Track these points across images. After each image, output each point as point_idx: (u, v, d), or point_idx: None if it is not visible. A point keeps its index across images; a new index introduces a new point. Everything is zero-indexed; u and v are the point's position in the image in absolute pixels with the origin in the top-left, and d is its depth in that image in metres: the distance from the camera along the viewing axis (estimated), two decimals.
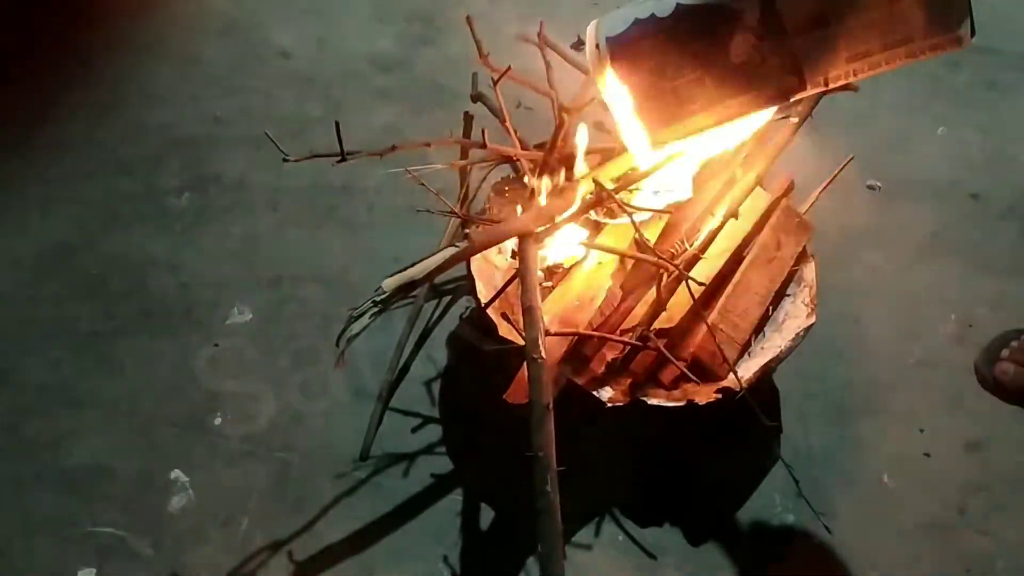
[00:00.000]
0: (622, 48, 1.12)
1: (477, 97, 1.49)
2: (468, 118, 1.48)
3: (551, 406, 1.09)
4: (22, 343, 1.62)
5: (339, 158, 1.19)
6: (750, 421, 1.28)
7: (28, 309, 1.66)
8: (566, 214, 1.28)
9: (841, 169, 1.53)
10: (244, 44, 2.08)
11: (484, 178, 1.58)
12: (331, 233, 1.76)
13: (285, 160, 1.17)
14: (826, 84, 1.14)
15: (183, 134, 1.92)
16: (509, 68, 1.31)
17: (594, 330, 1.35)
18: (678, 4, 1.12)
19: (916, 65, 2.12)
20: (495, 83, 1.32)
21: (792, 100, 1.15)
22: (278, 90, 2.01)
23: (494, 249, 1.45)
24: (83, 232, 1.76)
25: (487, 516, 1.45)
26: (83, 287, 1.69)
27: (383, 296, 1.10)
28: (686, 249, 1.35)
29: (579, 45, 2.01)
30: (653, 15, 1.12)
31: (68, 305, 1.67)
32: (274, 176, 1.83)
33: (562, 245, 1.40)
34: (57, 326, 1.64)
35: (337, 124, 1.16)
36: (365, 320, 1.09)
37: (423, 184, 1.29)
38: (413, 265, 1.13)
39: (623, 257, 1.36)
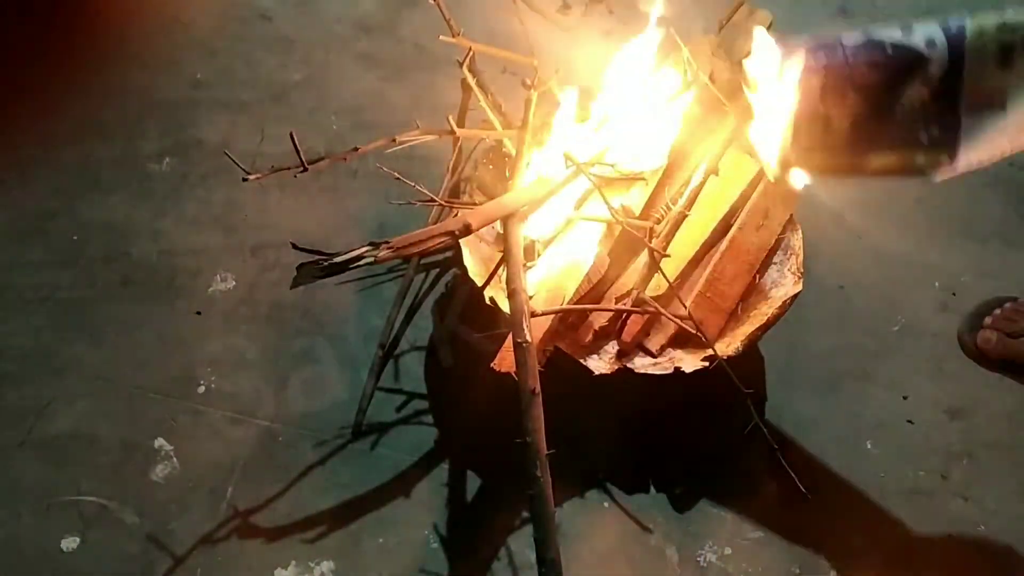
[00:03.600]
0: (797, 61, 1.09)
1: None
2: (466, 87, 1.47)
3: (538, 390, 1.09)
4: (2, 310, 1.60)
5: (301, 168, 1.17)
6: (733, 392, 1.28)
7: (7, 276, 1.64)
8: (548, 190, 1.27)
9: None
10: (225, 6, 2.04)
11: (475, 147, 1.58)
12: (315, 199, 1.74)
13: (245, 179, 1.16)
14: (969, 168, 1.06)
15: (163, 98, 1.89)
16: (471, 49, 1.31)
17: (581, 297, 1.34)
18: (869, 37, 1.08)
19: None
20: (461, 64, 1.32)
21: (934, 178, 1.08)
22: (260, 53, 1.98)
23: None
24: (62, 198, 1.74)
25: (474, 484, 1.45)
26: (63, 253, 1.67)
27: (369, 262, 1.09)
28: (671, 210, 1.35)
29: (565, 9, 2.01)
30: (840, 39, 1.08)
31: (48, 272, 1.64)
32: (256, 141, 1.81)
33: (548, 216, 1.39)
34: (37, 293, 1.62)
35: (292, 135, 1.14)
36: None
37: (399, 177, 1.30)
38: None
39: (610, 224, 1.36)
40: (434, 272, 1.66)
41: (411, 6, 2.04)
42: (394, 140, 1.26)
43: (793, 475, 1.31)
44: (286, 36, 2.01)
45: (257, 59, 1.97)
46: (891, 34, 1.08)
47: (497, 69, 1.80)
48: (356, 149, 1.23)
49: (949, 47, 1.05)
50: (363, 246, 1.10)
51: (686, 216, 1.27)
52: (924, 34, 1.07)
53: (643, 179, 1.34)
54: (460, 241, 1.36)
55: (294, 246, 1.08)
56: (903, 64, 1.08)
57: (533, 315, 1.13)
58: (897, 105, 1.07)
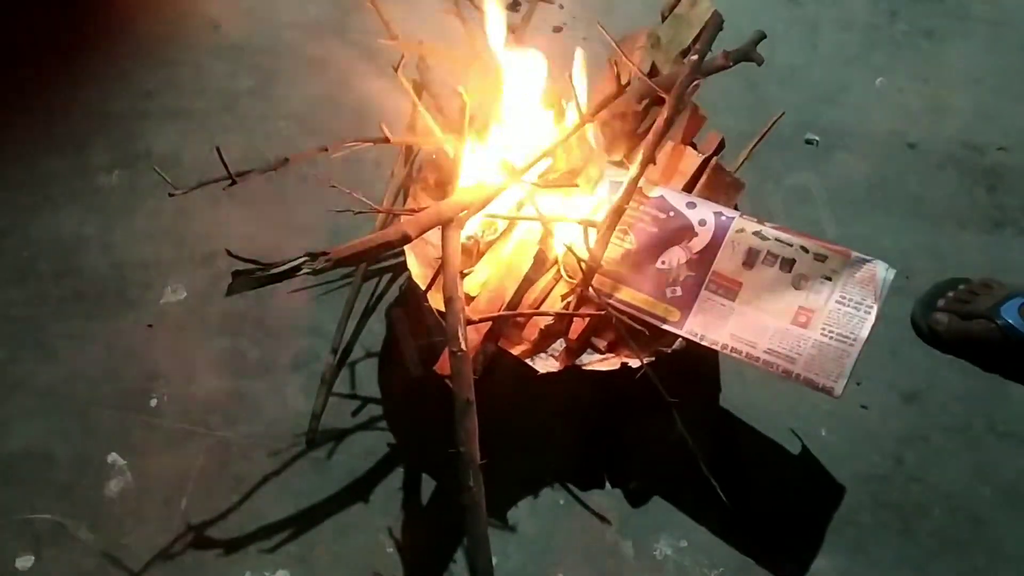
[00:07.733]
0: None
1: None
2: (417, 88, 1.47)
3: (472, 399, 1.08)
4: None
5: (229, 181, 1.17)
6: (687, 384, 1.29)
7: None
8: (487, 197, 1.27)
9: (772, 124, 1.52)
10: (173, 15, 2.04)
11: (418, 151, 1.58)
12: (265, 208, 1.74)
13: (171, 195, 1.16)
14: (699, 339, 1.28)
15: (112, 109, 1.89)
16: (404, 57, 1.33)
17: (523, 295, 1.34)
18: (663, 196, 1.34)
19: (854, 16, 2.13)
20: (395, 68, 1.32)
21: (663, 326, 1.29)
22: (209, 62, 1.97)
23: None
24: (11, 214, 1.73)
25: (428, 487, 1.45)
26: (13, 271, 1.66)
27: (306, 273, 1.08)
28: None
29: (516, 6, 2.00)
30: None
31: None
32: (206, 151, 1.79)
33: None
34: None
35: (218, 149, 1.14)
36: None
37: (334, 186, 1.35)
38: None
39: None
40: (387, 276, 1.66)
41: (361, 10, 2.02)
42: (325, 149, 1.25)
43: (715, 483, 1.32)
44: (236, 43, 2.00)
45: (207, 68, 1.97)
46: (678, 202, 1.34)
47: (448, 72, 1.80)
48: (287, 160, 1.23)
49: (714, 232, 1.29)
50: (300, 257, 1.09)
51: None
52: (701, 214, 1.31)
53: (577, 186, 1.34)
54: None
55: (229, 253, 1.07)
56: (676, 229, 1.31)
57: (470, 323, 1.13)
58: (659, 258, 1.31)
